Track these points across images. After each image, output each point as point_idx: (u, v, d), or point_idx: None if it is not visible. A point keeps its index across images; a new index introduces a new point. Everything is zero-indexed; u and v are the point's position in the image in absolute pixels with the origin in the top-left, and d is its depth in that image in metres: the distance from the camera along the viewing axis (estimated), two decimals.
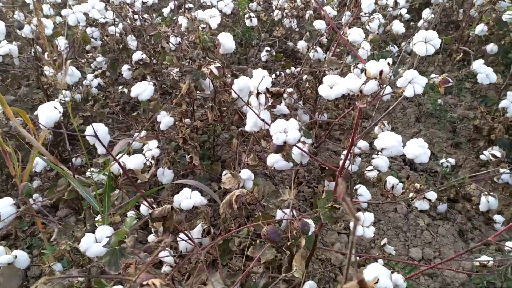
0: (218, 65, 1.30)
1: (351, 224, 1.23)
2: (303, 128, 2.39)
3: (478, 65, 2.18)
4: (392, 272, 1.29)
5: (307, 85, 2.80)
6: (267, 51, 2.91)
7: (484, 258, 1.40)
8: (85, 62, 2.59)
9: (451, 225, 2.29)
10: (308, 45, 2.71)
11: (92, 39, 2.70)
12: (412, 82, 1.25)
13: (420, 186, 1.19)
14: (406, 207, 2.36)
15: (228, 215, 1.73)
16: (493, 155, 1.64)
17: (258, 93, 1.31)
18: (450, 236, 2.22)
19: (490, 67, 2.16)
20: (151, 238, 1.48)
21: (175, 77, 2.02)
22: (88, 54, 2.64)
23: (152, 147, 1.62)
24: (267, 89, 1.38)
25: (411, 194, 1.22)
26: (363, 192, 1.58)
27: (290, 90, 2.59)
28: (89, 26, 2.70)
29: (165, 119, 1.84)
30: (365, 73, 1.01)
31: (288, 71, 2.82)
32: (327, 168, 1.81)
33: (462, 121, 3.03)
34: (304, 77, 2.71)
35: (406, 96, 1.26)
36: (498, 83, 2.48)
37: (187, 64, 2.00)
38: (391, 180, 1.31)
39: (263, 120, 1.28)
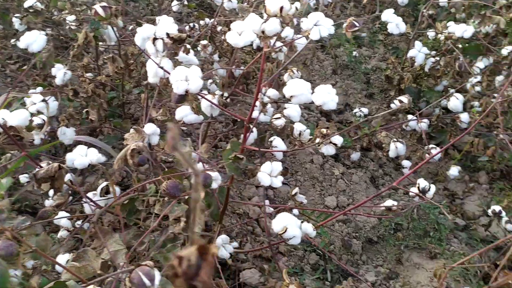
0: (104, 4, 1.16)
1: (260, 176, 1.19)
2: (217, 80, 2.30)
3: (388, 15, 2.20)
4: (307, 221, 1.29)
5: (222, 37, 2.69)
6: (178, 0, 2.74)
7: (389, 202, 1.44)
8: None
9: (364, 172, 2.37)
10: None
11: None
12: (318, 25, 1.20)
13: (326, 131, 1.18)
14: (322, 158, 2.40)
15: (138, 174, 1.63)
16: (400, 101, 1.68)
17: (155, 39, 1.19)
18: (362, 183, 2.29)
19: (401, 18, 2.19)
20: (48, 203, 1.35)
21: (71, 26, 1.82)
22: None
23: (36, 101, 1.45)
24: (167, 34, 1.27)
25: (317, 140, 1.20)
26: (278, 144, 1.55)
27: (204, 42, 2.47)
28: None
29: (60, 73, 1.67)
30: (265, 11, 0.94)
31: (202, 22, 2.68)
32: (238, 120, 1.76)
33: (375, 72, 3.10)
34: (219, 28, 2.60)
35: (313, 39, 1.21)
36: (408, 33, 2.54)
37: (84, 11, 1.82)
38: (298, 127, 1.28)
39: (162, 68, 1.17)
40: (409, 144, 2.52)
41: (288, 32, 1.31)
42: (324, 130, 1.18)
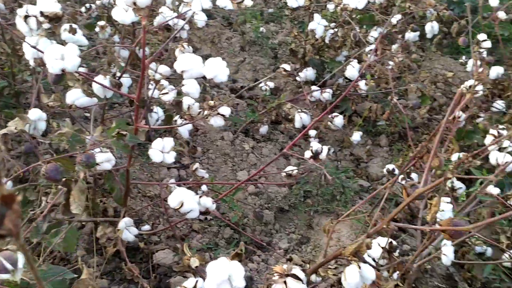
0: None
1: (151, 152, 1.18)
2: (122, 63, 2.21)
3: None
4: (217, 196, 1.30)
5: None
6: None
7: (289, 168, 1.50)
8: None
9: (274, 145, 2.43)
10: None
11: None
12: None
13: (214, 102, 1.19)
14: (232, 134, 2.42)
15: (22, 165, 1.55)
16: (284, 69, 1.73)
17: (26, 16, 1.12)
18: (272, 156, 2.35)
19: None
20: None
21: None
22: None
23: None
24: (41, 12, 1.20)
25: (205, 112, 1.21)
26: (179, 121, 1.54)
27: (101, 23, 2.37)
28: None
29: None
30: None
31: (98, 2, 2.56)
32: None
33: (281, 47, 3.17)
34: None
35: (195, 11, 1.21)
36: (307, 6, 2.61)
37: None
38: (186, 101, 1.28)
39: (34, 47, 1.11)
40: (316, 114, 2.62)
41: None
42: (211, 102, 1.19)
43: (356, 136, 2.29)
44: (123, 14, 1.28)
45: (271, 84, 2.49)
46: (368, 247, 1.00)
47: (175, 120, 1.74)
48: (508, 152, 1.81)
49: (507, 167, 1.77)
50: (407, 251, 1.99)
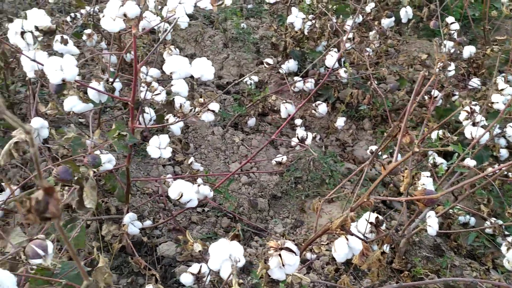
0: None
1: (149, 149, 1.28)
2: (112, 69, 2.30)
3: None
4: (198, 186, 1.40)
5: None
6: None
7: (279, 156, 1.60)
8: None
9: (262, 136, 2.53)
10: None
11: None
12: (182, 3, 1.29)
13: (204, 99, 1.29)
14: (222, 128, 2.52)
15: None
16: (267, 63, 1.83)
17: (23, 32, 1.21)
18: (262, 146, 2.46)
19: None
20: None
21: None
22: None
23: None
24: (35, 27, 1.29)
25: (196, 109, 1.31)
26: (171, 120, 1.63)
27: (88, 31, 2.45)
28: None
29: None
30: None
31: (83, 11, 2.63)
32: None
33: (263, 41, 3.26)
34: (101, 15, 2.57)
35: (179, 16, 1.30)
36: (284, 0, 2.71)
37: None
38: (178, 100, 1.38)
39: (34, 60, 1.20)
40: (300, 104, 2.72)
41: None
42: (201, 100, 1.28)
43: (340, 121, 2.40)
44: (111, 23, 1.37)
45: (255, 78, 2.59)
46: (352, 220, 1.11)
47: (167, 119, 1.84)
48: (482, 126, 1.94)
49: (481, 140, 1.90)
50: (396, 226, 2.11)
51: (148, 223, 1.89)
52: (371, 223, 1.34)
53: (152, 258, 1.85)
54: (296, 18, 2.57)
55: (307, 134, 1.53)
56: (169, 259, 1.87)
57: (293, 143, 1.56)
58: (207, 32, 3.30)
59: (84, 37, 2.44)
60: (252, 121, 2.46)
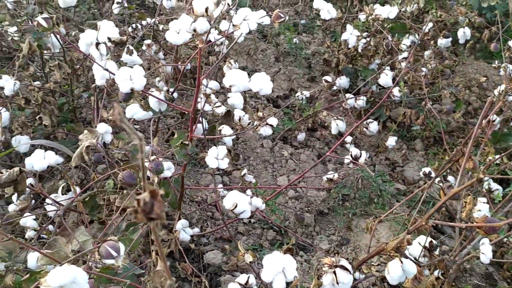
0: (46, 15, 1.24)
1: (207, 159, 1.31)
2: (166, 79, 2.39)
3: (319, 2, 2.36)
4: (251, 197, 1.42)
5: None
6: (118, 3, 2.80)
7: (330, 173, 1.60)
8: None
9: (311, 151, 2.54)
10: None
11: None
12: (246, 19, 1.33)
13: (262, 114, 1.31)
14: (272, 141, 2.54)
15: (96, 173, 1.72)
16: (325, 80, 1.84)
17: (97, 43, 1.29)
18: (310, 161, 2.46)
19: (333, 4, 2.35)
20: (12, 207, 1.42)
21: (14, 37, 1.87)
22: None
23: None
24: (108, 38, 1.37)
25: (255, 123, 1.34)
26: (226, 131, 1.67)
27: (148, 42, 2.55)
28: None
29: (8, 84, 1.71)
30: (193, 11, 1.05)
31: (144, 22, 2.75)
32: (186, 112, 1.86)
33: (315, 57, 3.28)
34: (161, 27, 2.68)
35: (243, 32, 1.34)
36: (342, 18, 2.72)
37: (25, 22, 1.86)
38: (237, 113, 1.41)
39: (107, 70, 1.27)
40: (351, 121, 2.71)
41: (224, 27, 1.44)
42: (260, 114, 1.31)
43: (391, 141, 2.37)
44: (175, 36, 1.43)
45: (307, 93, 2.61)
46: (409, 242, 1.10)
47: (219, 130, 1.88)
48: None
49: None
50: (446, 251, 2.05)
51: (196, 230, 1.93)
52: (425, 247, 1.31)
53: (198, 265, 1.89)
54: (350, 35, 2.58)
55: (360, 152, 1.53)
56: (215, 267, 1.90)
57: (346, 161, 1.56)
58: (259, 45, 3.35)
59: (144, 47, 2.55)
60: (301, 136, 2.47)
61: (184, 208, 2.13)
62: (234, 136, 1.80)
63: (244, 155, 2.47)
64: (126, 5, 2.80)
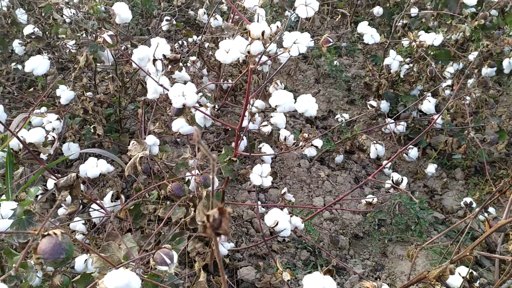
0: (111, 33, 1.32)
1: (252, 177, 1.35)
2: (207, 94, 2.46)
3: (363, 27, 2.39)
4: (291, 216, 1.44)
5: (210, 52, 2.85)
6: (167, 20, 2.91)
7: (369, 197, 1.60)
8: None
9: (348, 173, 2.53)
10: (208, 12, 2.75)
11: None
12: (297, 43, 1.37)
13: (308, 135, 1.34)
14: (309, 162, 2.56)
15: (139, 183, 1.78)
16: (371, 105, 1.85)
17: (154, 60, 1.35)
18: (347, 184, 2.46)
19: (376, 28, 2.37)
20: (61, 211, 1.49)
21: (72, 50, 1.97)
22: None
23: (52, 119, 1.60)
24: (163, 55, 1.43)
25: (301, 143, 1.36)
26: (266, 150, 1.71)
27: (193, 58, 2.64)
28: None
29: (65, 93, 1.81)
30: (249, 34, 1.10)
31: (190, 39, 2.85)
32: (230, 129, 1.91)
33: (355, 80, 3.29)
34: (206, 44, 2.77)
35: (293, 55, 1.38)
36: (384, 42, 2.74)
37: (83, 36, 1.97)
38: (283, 133, 1.44)
39: (161, 85, 1.33)
40: (390, 145, 2.70)
41: (272, 48, 1.49)
42: (306, 135, 1.34)
43: (431, 168, 2.34)
44: (225, 55, 1.48)
45: (346, 116, 2.62)
46: (451, 272, 1.09)
47: (259, 148, 1.92)
48: None
49: None
50: (484, 284, 1.99)
51: (231, 245, 1.96)
52: (465, 278, 1.29)
53: (231, 280, 1.91)
54: (393, 60, 2.58)
55: (401, 178, 1.52)
56: (248, 283, 1.91)
57: (386, 185, 1.56)
58: (300, 66, 3.40)
59: (189, 63, 2.64)
60: (339, 158, 2.47)
61: None
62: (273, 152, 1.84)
63: (280, 173, 2.50)
64: (174, 22, 2.91)
